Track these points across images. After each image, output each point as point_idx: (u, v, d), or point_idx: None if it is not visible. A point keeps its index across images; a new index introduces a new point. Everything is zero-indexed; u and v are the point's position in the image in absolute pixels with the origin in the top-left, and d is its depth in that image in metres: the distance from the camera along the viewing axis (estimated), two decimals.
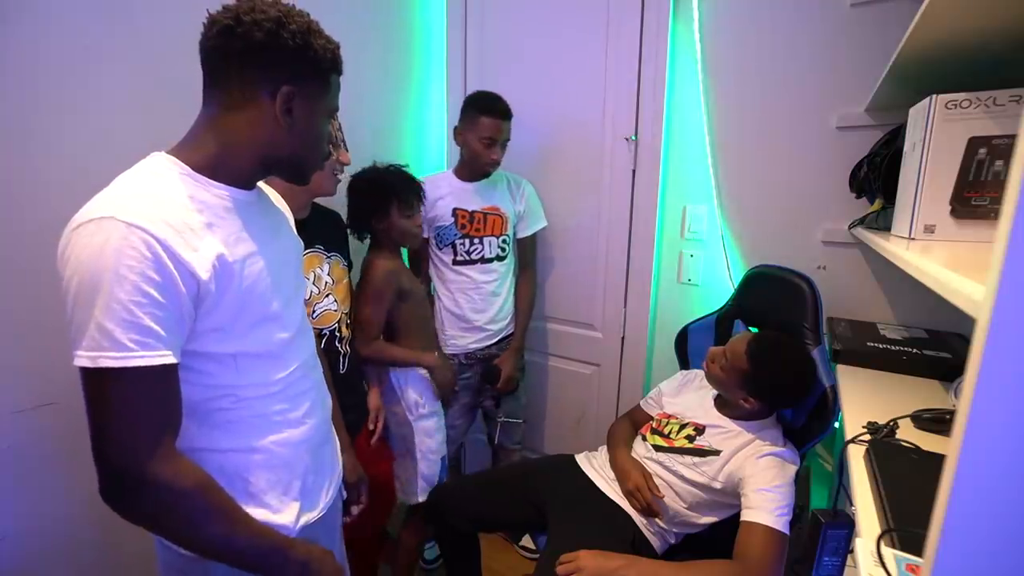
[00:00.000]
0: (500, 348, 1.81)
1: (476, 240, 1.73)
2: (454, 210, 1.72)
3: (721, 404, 1.33)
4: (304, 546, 0.80)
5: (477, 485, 1.54)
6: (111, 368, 0.60)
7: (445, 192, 1.73)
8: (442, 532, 1.52)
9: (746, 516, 1.11)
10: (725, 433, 1.26)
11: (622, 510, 1.31)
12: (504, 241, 1.77)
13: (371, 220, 1.46)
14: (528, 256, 1.87)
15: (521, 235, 1.83)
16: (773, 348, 1.23)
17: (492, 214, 1.74)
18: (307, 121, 0.75)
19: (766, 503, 1.10)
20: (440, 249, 1.75)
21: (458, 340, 1.77)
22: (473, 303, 1.75)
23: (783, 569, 1.08)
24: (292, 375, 0.82)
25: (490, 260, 1.75)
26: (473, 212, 1.73)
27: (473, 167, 1.72)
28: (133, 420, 0.63)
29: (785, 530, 1.08)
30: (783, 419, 1.31)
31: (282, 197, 0.95)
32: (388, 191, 1.44)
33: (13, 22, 1.05)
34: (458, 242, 1.73)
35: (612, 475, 1.37)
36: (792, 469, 1.17)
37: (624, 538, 1.26)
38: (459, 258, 1.74)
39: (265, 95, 0.71)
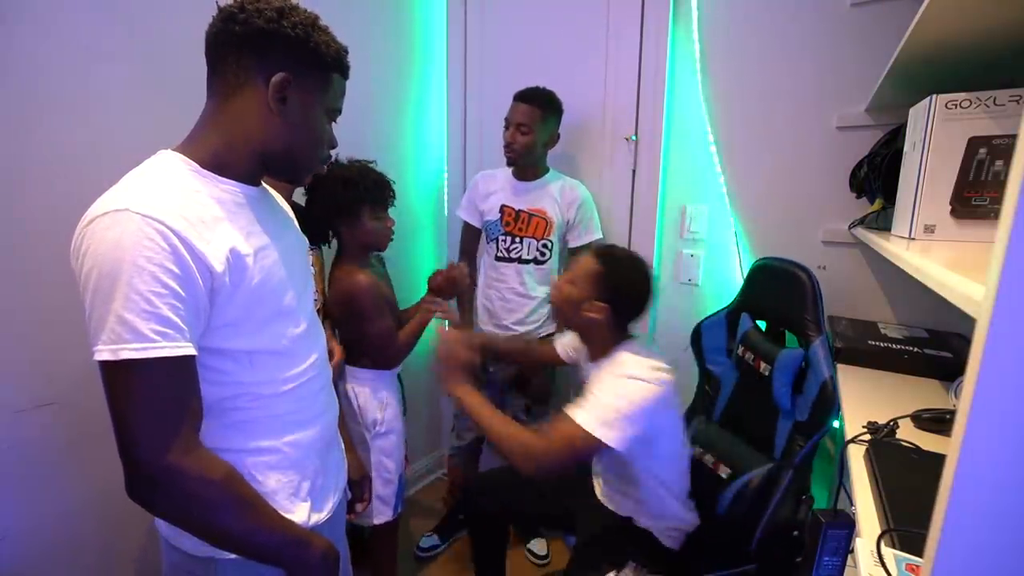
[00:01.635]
0: None
1: (517, 239, 1.75)
2: (502, 207, 1.75)
3: (591, 351, 1.28)
4: (322, 538, 0.80)
5: (510, 477, 1.52)
6: (133, 360, 0.60)
7: (498, 188, 1.78)
8: (475, 518, 1.52)
9: (567, 409, 1.09)
10: (592, 377, 1.21)
11: (624, 521, 1.30)
12: (545, 245, 1.75)
13: (338, 222, 1.38)
14: None
15: (573, 244, 1.77)
16: (619, 249, 1.29)
17: (537, 216, 1.74)
18: (302, 114, 0.75)
19: (589, 405, 1.08)
20: (488, 243, 1.80)
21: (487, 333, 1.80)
22: (504, 301, 1.78)
23: (570, 460, 1.08)
24: (305, 373, 0.82)
25: (527, 262, 1.76)
26: (519, 211, 1.74)
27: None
28: (158, 413, 0.63)
29: (596, 434, 1.04)
30: (789, 416, 1.30)
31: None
32: (360, 191, 1.35)
33: (13, 22, 1.05)
34: (500, 238, 1.77)
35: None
36: (641, 386, 1.09)
37: (624, 546, 1.26)
38: (499, 255, 1.78)
39: (260, 81, 0.71)
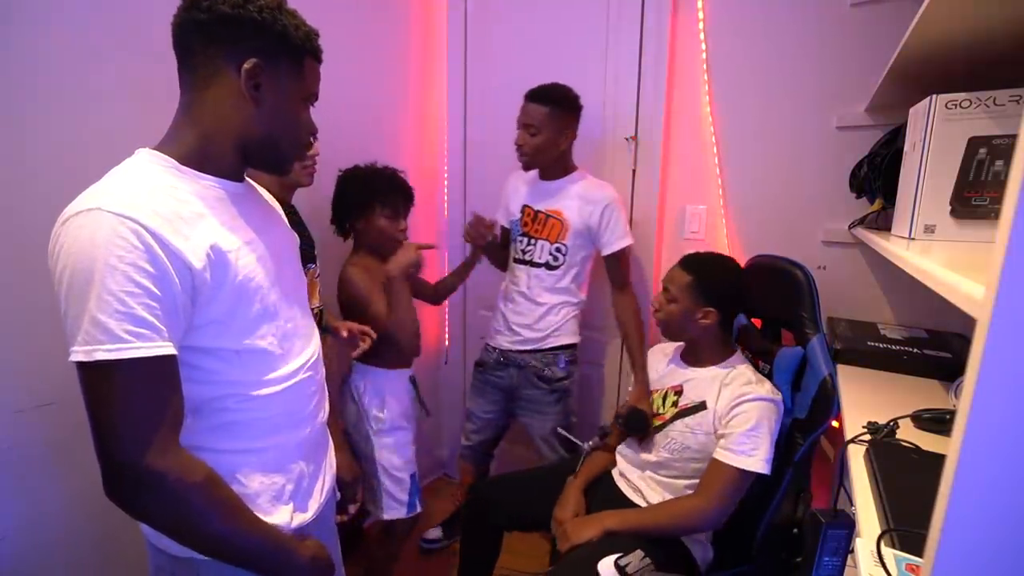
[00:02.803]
0: (536, 357, 1.67)
1: (532, 241, 1.67)
2: (523, 206, 1.69)
3: (688, 355, 1.37)
4: (306, 544, 0.79)
5: (524, 483, 1.53)
6: (108, 361, 0.60)
7: (522, 186, 1.71)
8: (474, 523, 1.52)
9: (715, 455, 1.19)
10: (700, 382, 1.29)
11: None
12: (558, 249, 1.64)
13: (352, 216, 1.46)
14: (618, 275, 1.65)
15: (604, 253, 1.64)
16: (702, 254, 1.35)
17: (553, 217, 1.63)
18: (278, 100, 0.73)
19: (734, 445, 1.16)
20: (511, 244, 1.74)
21: (496, 335, 1.74)
22: (514, 304, 1.70)
23: (737, 499, 1.18)
24: (296, 373, 0.81)
25: (539, 265, 1.66)
26: (538, 212, 1.66)
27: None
28: (134, 413, 0.62)
29: (751, 468, 1.14)
30: (788, 413, 1.30)
31: None
32: (373, 189, 1.44)
33: (13, 22, 1.05)
34: (518, 239, 1.70)
35: (638, 486, 1.34)
36: (770, 409, 1.19)
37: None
38: (516, 256, 1.71)
39: (231, 70, 0.69)
